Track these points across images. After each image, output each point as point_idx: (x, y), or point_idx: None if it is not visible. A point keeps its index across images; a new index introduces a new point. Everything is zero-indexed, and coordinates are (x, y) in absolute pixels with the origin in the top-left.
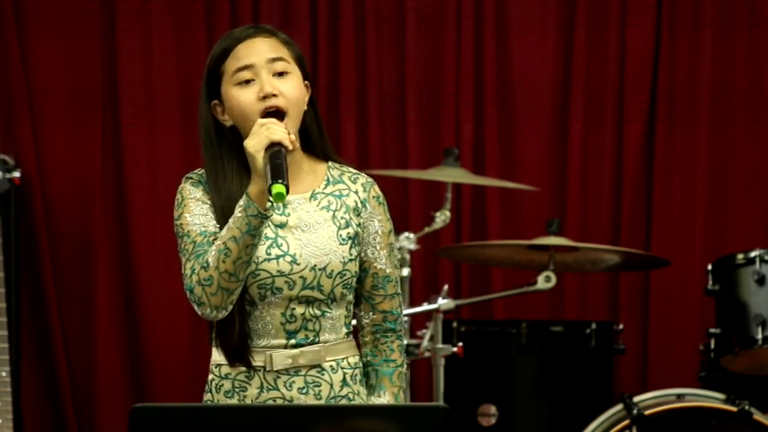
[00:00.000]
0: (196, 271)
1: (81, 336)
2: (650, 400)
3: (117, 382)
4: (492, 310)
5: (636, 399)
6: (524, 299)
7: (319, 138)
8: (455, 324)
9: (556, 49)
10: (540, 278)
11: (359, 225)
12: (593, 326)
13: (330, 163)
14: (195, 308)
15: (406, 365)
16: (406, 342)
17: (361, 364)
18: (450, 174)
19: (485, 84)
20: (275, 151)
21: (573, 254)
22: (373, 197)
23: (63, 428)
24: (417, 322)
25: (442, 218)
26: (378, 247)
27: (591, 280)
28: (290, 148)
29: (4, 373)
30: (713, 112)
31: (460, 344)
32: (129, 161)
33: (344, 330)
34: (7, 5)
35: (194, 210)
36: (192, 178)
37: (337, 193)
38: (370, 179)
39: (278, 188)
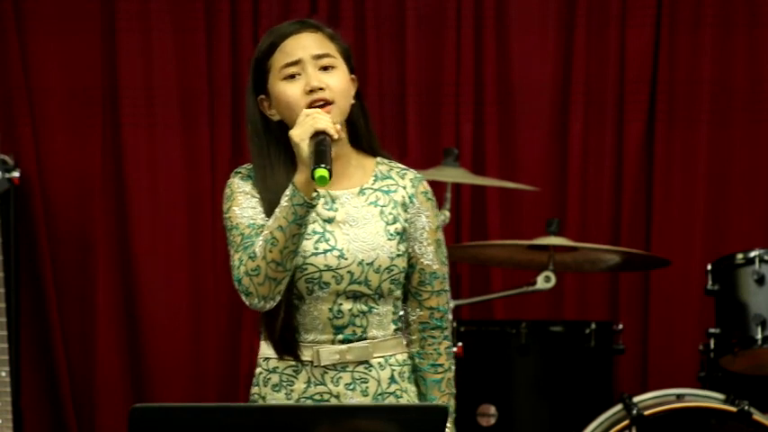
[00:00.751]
0: (244, 261)
1: (81, 336)
2: (650, 400)
3: (117, 382)
4: (492, 310)
5: (635, 399)
6: (524, 299)
7: (366, 131)
8: (455, 324)
9: (556, 49)
10: (540, 278)
11: (406, 220)
12: (593, 326)
13: (378, 159)
14: (243, 298)
15: (453, 368)
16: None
17: (409, 362)
18: (450, 174)
19: (485, 84)
20: (320, 139)
21: (573, 254)
22: (421, 193)
23: (63, 428)
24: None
25: (441, 218)
26: (425, 243)
27: (591, 280)
28: (336, 136)
29: (3, 373)
30: (713, 112)
31: (460, 344)
32: (129, 161)
33: (392, 327)
34: (7, 5)
35: (243, 203)
36: (240, 172)
37: (385, 188)
38: (418, 175)
39: (321, 172)
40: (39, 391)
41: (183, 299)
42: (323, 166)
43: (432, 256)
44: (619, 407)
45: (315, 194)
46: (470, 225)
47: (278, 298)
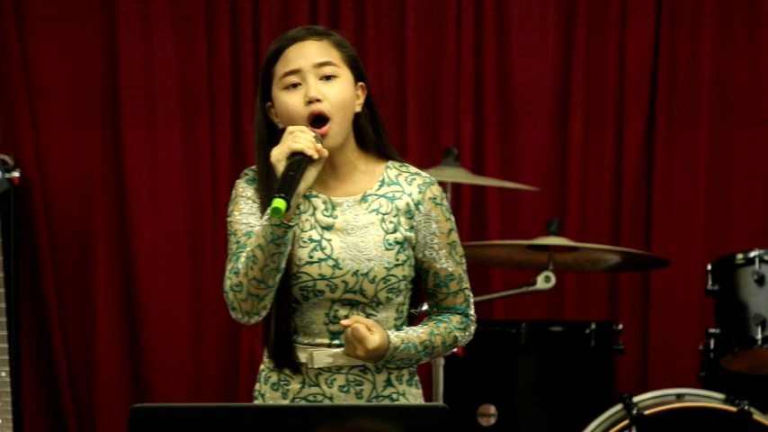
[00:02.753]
0: (230, 276)
1: (81, 336)
2: (650, 400)
3: (117, 382)
4: (492, 310)
5: (635, 399)
6: (524, 299)
7: (376, 138)
8: None
9: (556, 49)
10: (540, 278)
11: (410, 229)
12: (593, 326)
13: (389, 163)
14: (230, 311)
15: (459, 336)
16: (468, 334)
17: (412, 366)
18: (450, 174)
19: (485, 84)
20: (294, 161)
21: (573, 254)
22: (429, 198)
23: (63, 428)
24: (417, 322)
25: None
26: (436, 248)
27: (591, 280)
28: (316, 156)
29: (3, 374)
30: (713, 112)
31: None
32: (129, 161)
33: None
34: (7, 5)
35: (244, 208)
36: (248, 174)
37: (390, 195)
38: (428, 179)
39: (276, 203)
40: (39, 391)
41: (183, 299)
42: (282, 195)
43: (444, 260)
44: (619, 407)
45: (296, 214)
46: (470, 225)
47: (263, 313)
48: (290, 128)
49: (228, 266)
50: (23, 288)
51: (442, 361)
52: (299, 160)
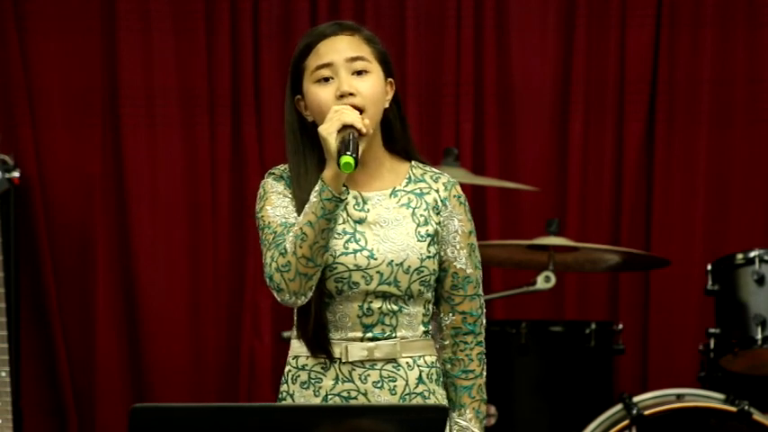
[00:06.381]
0: (275, 258)
1: (81, 336)
2: (650, 400)
3: (117, 382)
4: (492, 310)
5: (635, 399)
6: (524, 299)
7: (402, 135)
8: None
9: (556, 49)
10: (540, 278)
11: (438, 223)
12: (593, 326)
13: (413, 162)
14: (275, 295)
15: (485, 374)
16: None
17: (438, 364)
18: (450, 174)
19: (485, 84)
20: (347, 133)
21: (573, 254)
22: (454, 196)
23: (63, 428)
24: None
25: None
26: (457, 247)
27: (591, 280)
28: (364, 131)
29: (3, 374)
30: (713, 112)
31: None
32: (129, 161)
33: (422, 329)
34: (7, 5)
35: (276, 202)
36: (274, 173)
37: (418, 191)
38: (452, 179)
39: (346, 159)
40: (39, 391)
41: (182, 299)
42: (348, 153)
43: (465, 260)
44: (619, 407)
45: (344, 189)
46: None
47: (309, 294)
48: (335, 107)
49: (268, 254)
50: (23, 288)
51: None
52: (350, 133)
